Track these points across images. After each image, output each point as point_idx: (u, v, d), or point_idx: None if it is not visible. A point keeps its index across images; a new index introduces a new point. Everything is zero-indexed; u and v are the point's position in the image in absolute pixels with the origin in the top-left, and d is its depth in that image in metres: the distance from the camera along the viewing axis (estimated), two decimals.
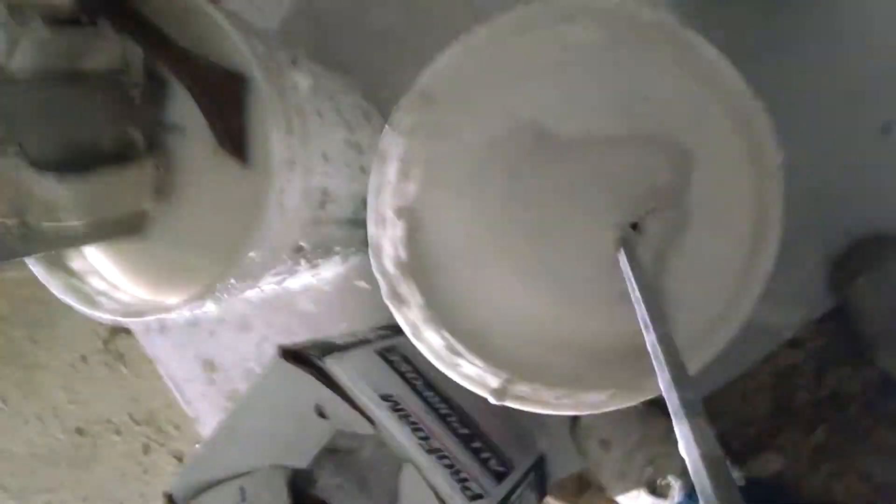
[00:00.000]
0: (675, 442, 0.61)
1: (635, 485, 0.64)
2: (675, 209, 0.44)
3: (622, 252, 0.41)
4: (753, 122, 0.42)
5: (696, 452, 0.23)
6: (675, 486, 0.62)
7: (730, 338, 0.44)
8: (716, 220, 0.44)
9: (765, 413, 0.69)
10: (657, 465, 0.63)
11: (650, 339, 0.31)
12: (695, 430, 0.24)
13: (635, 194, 0.44)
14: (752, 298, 0.44)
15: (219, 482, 0.56)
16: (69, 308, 0.50)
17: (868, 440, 0.67)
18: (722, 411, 0.69)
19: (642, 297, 0.35)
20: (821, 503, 0.67)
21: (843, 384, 0.67)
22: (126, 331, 0.86)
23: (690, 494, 0.60)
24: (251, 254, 0.46)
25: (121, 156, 0.49)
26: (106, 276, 0.54)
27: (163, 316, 0.49)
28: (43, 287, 0.51)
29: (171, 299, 0.51)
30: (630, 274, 0.38)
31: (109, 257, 0.53)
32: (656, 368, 0.28)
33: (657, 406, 0.68)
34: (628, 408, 0.61)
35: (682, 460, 0.59)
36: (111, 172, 0.48)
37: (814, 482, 0.68)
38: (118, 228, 0.50)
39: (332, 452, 0.58)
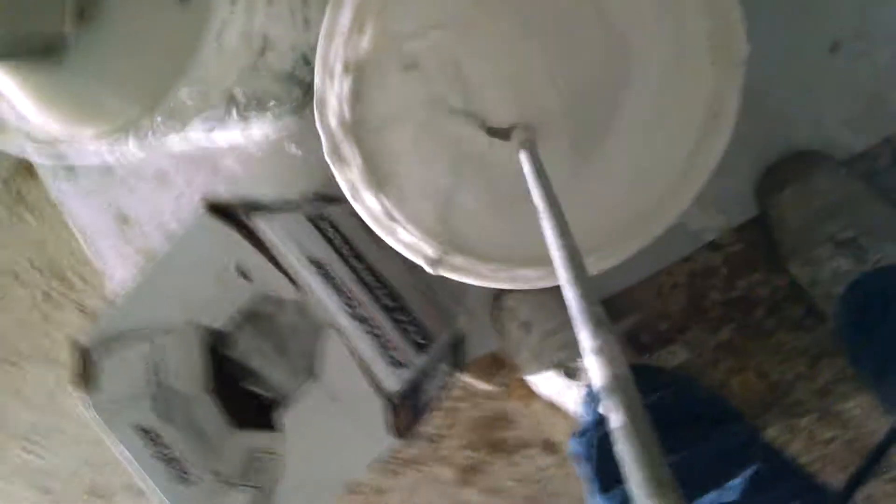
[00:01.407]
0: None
1: (549, 366, 0.66)
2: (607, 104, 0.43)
3: (524, 155, 0.39)
4: (724, 9, 0.40)
5: (605, 373, 0.23)
6: (584, 369, 0.64)
7: (656, 235, 0.44)
8: (658, 116, 0.43)
9: (677, 309, 0.72)
10: (571, 348, 0.65)
11: (554, 254, 0.30)
12: (604, 350, 0.24)
13: (563, 78, 0.43)
14: (690, 195, 0.44)
15: (133, 336, 0.54)
16: None
17: (768, 341, 0.71)
18: (637, 304, 0.72)
19: (545, 209, 0.33)
20: (717, 395, 0.71)
21: (753, 288, 0.70)
22: (30, 172, 0.80)
23: None
24: (182, 90, 0.42)
25: None
26: (17, 105, 0.49)
27: (77, 153, 0.45)
28: None
29: (87, 134, 0.47)
30: (532, 181, 0.36)
31: (19, 83, 0.48)
32: (561, 284, 0.28)
33: None
34: (551, 293, 0.62)
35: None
36: None
37: (714, 376, 0.72)
38: (33, 47, 0.45)
39: (253, 316, 0.57)
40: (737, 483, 0.49)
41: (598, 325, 0.25)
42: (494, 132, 0.43)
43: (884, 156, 0.66)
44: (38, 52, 0.44)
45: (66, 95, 0.47)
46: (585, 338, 0.24)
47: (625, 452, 0.20)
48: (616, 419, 0.21)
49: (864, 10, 0.62)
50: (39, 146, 0.46)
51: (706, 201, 0.68)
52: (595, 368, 0.23)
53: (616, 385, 0.23)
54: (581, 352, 0.25)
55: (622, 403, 0.22)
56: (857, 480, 0.43)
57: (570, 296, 0.26)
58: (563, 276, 0.28)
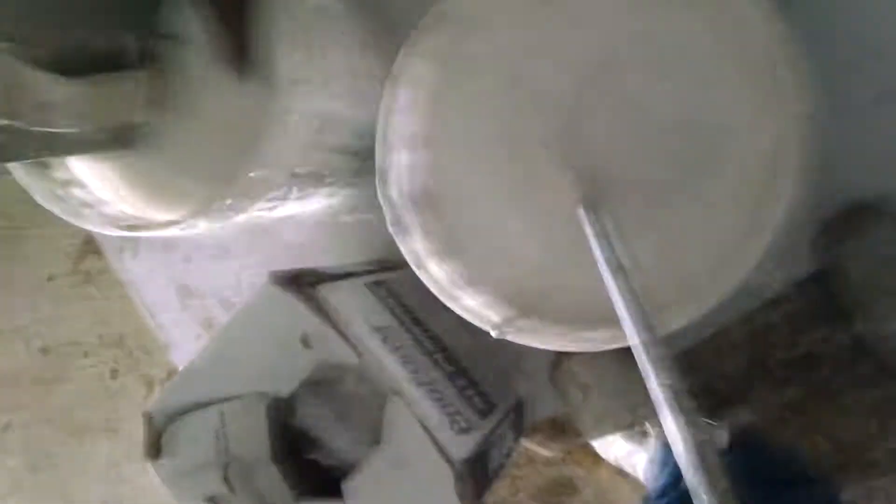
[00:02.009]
0: None
1: (612, 430, 0.65)
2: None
3: (583, 212, 0.40)
4: (782, 67, 0.41)
5: (685, 445, 0.23)
6: (652, 433, 0.63)
7: (723, 295, 0.44)
8: (727, 172, 0.44)
9: (739, 369, 0.70)
10: (635, 412, 0.64)
11: (625, 317, 0.30)
12: (684, 422, 0.23)
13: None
14: (756, 255, 0.44)
15: (198, 406, 0.55)
16: (38, 224, 0.49)
17: (836, 401, 0.69)
18: (697, 365, 0.71)
19: (610, 270, 0.33)
20: (788, 459, 0.69)
21: (816, 346, 0.69)
22: (96, 252, 0.84)
23: (666, 443, 0.61)
24: (251, 174, 0.44)
25: (115, 63, 0.47)
26: (92, 190, 0.52)
27: (155, 233, 0.47)
28: (7, 201, 0.48)
29: (163, 216, 0.49)
30: (594, 241, 0.36)
31: (97, 170, 0.51)
32: (633, 344, 0.28)
33: None
34: (613, 355, 0.62)
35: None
36: (105, 78, 0.45)
37: (781, 438, 0.70)
38: (110, 138, 0.48)
39: (315, 384, 0.58)
40: None
41: (680, 391, 0.25)
42: None
43: None
44: (114, 141, 0.47)
45: (141, 180, 0.49)
46: (665, 408, 0.24)
47: None
48: (695, 482, 0.21)
49: None
50: (120, 226, 0.48)
51: (767, 257, 0.67)
52: (673, 433, 0.23)
53: (700, 451, 0.23)
54: (650, 416, 0.25)
55: (703, 467, 0.22)
56: None
57: (641, 354, 0.27)
58: (634, 338, 0.28)
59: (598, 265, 0.35)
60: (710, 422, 0.65)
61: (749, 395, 0.71)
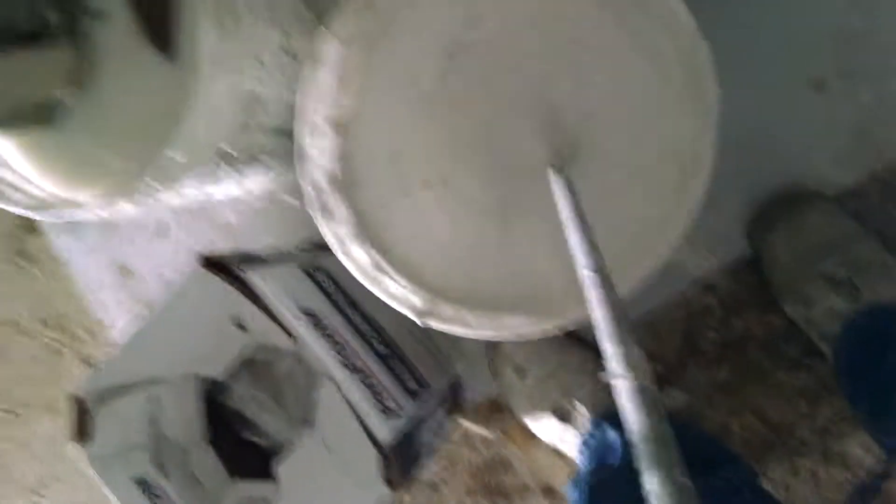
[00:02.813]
0: (588, 372, 0.63)
1: (546, 411, 0.66)
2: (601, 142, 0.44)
3: (557, 180, 0.40)
4: (696, 57, 0.41)
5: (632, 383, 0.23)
6: (583, 414, 0.64)
7: (644, 277, 0.45)
8: (640, 156, 0.44)
9: (673, 351, 0.72)
10: (567, 393, 0.65)
11: (586, 276, 0.31)
12: (638, 390, 0.24)
13: (567, 118, 0.44)
14: (673, 239, 0.45)
15: (130, 388, 0.55)
16: None
17: (766, 382, 0.71)
18: None
19: (578, 229, 0.34)
20: (713, 437, 0.71)
21: (749, 328, 0.70)
22: (35, 229, 0.82)
23: (597, 423, 0.63)
24: (171, 153, 0.43)
25: (36, 37, 0.45)
26: (14, 168, 0.50)
27: (74, 213, 0.46)
28: None
29: (84, 195, 0.48)
30: (567, 204, 0.37)
31: (18, 148, 0.49)
32: (592, 312, 0.28)
33: (573, 336, 0.70)
34: (546, 336, 0.62)
35: (591, 390, 0.61)
36: (25, 53, 0.44)
37: (713, 417, 0.72)
38: (30, 115, 0.46)
39: (250, 365, 0.58)
40: None
41: (628, 339, 0.25)
42: None
43: (873, 192, 0.66)
44: (32, 118, 0.46)
45: (59, 158, 0.48)
46: (613, 353, 0.25)
47: (644, 457, 0.20)
48: (638, 425, 0.22)
49: (844, 50, 0.63)
50: (40, 207, 0.47)
51: (697, 242, 0.69)
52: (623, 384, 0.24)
53: (643, 394, 0.23)
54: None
55: (647, 409, 0.22)
56: None
57: (598, 317, 0.27)
58: (593, 295, 0.28)
59: (566, 225, 0.36)
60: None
61: (683, 376, 0.72)
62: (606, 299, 0.28)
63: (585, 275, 0.31)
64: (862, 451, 0.70)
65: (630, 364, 0.25)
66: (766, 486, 0.61)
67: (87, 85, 0.47)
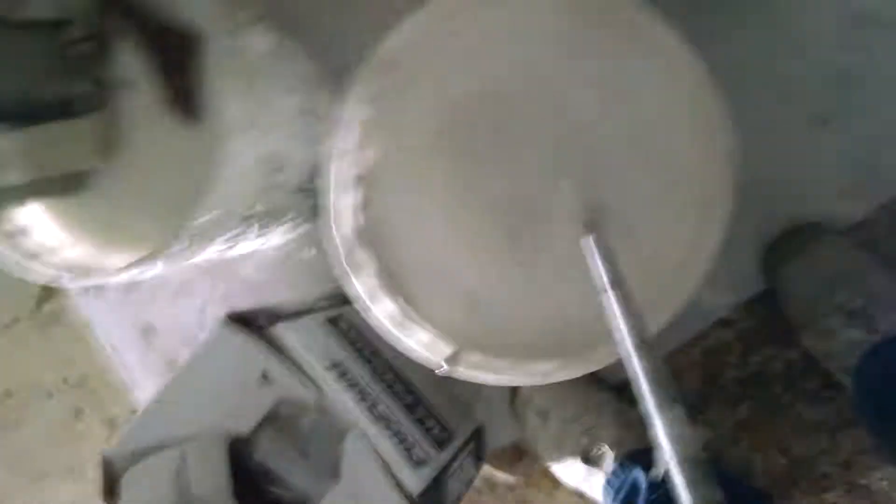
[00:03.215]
0: (610, 413, 0.63)
1: (570, 454, 0.66)
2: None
3: (591, 238, 0.41)
4: (707, 105, 0.43)
5: (677, 457, 0.24)
6: (609, 455, 0.64)
7: (666, 322, 0.46)
8: (662, 205, 0.46)
9: (693, 389, 0.72)
10: (592, 435, 0.65)
11: (629, 347, 0.31)
12: (678, 440, 0.24)
13: (596, 176, 0.45)
14: (696, 281, 0.45)
15: (158, 447, 0.55)
16: None
17: (787, 417, 0.71)
18: None
19: (617, 297, 0.35)
20: (742, 475, 0.71)
21: (767, 363, 0.71)
22: (59, 293, 0.84)
23: (622, 464, 0.63)
24: (202, 218, 0.45)
25: (64, 111, 0.47)
26: (44, 236, 0.52)
27: (108, 279, 0.48)
28: None
29: (116, 260, 0.50)
30: (600, 264, 0.38)
31: (50, 216, 0.51)
32: (635, 383, 0.29)
33: (594, 376, 0.71)
34: (567, 380, 0.63)
35: (615, 431, 0.61)
36: (53, 127, 0.46)
37: (736, 454, 0.72)
38: (58, 186, 0.48)
39: (274, 420, 0.58)
40: None
41: (672, 403, 0.25)
42: None
43: (881, 223, 0.67)
44: (61, 187, 0.48)
45: (94, 224, 0.50)
46: (661, 424, 0.25)
47: None
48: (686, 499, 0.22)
49: (845, 86, 0.65)
50: (71, 276, 0.48)
51: (714, 280, 0.69)
52: (670, 452, 0.24)
53: (691, 467, 0.23)
54: (651, 437, 0.26)
55: (695, 484, 0.22)
56: None
57: (643, 380, 0.27)
58: (630, 353, 0.29)
59: (601, 289, 0.36)
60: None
61: (704, 413, 0.72)
62: (651, 371, 0.29)
63: (628, 344, 0.31)
64: (887, 484, 0.70)
65: (676, 436, 0.25)
66: None
67: (117, 153, 0.48)
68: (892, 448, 0.59)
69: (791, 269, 0.66)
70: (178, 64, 0.47)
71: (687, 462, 0.23)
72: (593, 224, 0.42)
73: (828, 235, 0.66)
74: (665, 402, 0.26)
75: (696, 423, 0.66)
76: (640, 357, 0.29)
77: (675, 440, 0.24)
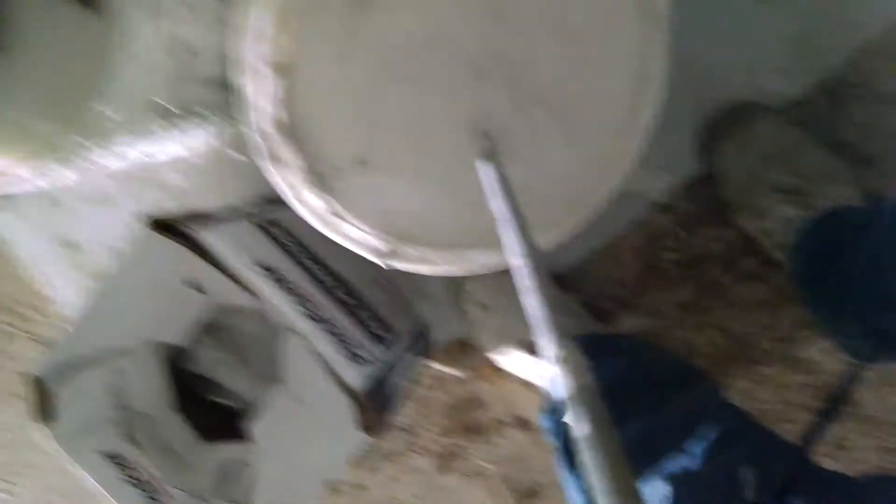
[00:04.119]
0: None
1: (513, 345, 0.67)
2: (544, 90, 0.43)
3: (485, 166, 0.39)
4: None
5: (570, 383, 0.23)
6: None
7: (604, 200, 0.45)
8: (592, 82, 0.44)
9: (634, 274, 0.73)
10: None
11: (518, 267, 0.30)
12: (568, 361, 0.24)
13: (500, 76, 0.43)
14: (630, 157, 0.44)
15: (90, 362, 0.53)
16: None
17: (727, 296, 0.72)
18: (596, 274, 0.72)
19: (510, 221, 0.33)
20: (677, 356, 0.72)
21: (706, 245, 0.71)
22: None
23: None
24: (99, 106, 0.41)
25: None
26: None
27: (8, 182, 0.44)
28: None
29: (23, 165, 0.46)
30: (497, 193, 0.36)
31: None
32: (524, 293, 0.28)
33: None
34: (507, 273, 0.62)
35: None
36: None
37: (678, 336, 0.73)
38: None
39: (211, 327, 0.56)
40: (698, 446, 0.50)
41: (561, 335, 0.25)
42: None
43: (818, 100, 0.67)
44: None
45: None
46: (549, 348, 0.25)
47: (590, 463, 0.20)
48: (581, 429, 0.22)
49: None
50: None
51: (650, 163, 0.69)
52: (559, 379, 0.23)
53: (581, 396, 0.23)
54: (545, 359, 0.25)
55: (587, 414, 0.22)
56: (815, 429, 0.44)
57: (533, 306, 0.27)
58: (526, 285, 0.28)
59: (495, 212, 0.35)
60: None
61: (646, 297, 0.73)
62: (539, 291, 0.27)
63: (518, 264, 0.30)
64: (823, 355, 0.73)
65: (563, 362, 0.24)
66: (732, 397, 0.62)
67: (10, 44, 0.44)
68: (828, 320, 0.61)
69: (727, 150, 0.65)
70: None
71: (579, 391, 0.23)
72: (487, 150, 0.40)
73: (763, 114, 0.65)
74: (556, 335, 0.25)
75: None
76: (534, 290, 0.28)
77: (567, 371, 0.23)
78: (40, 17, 0.44)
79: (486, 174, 0.38)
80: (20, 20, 0.44)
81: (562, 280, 0.71)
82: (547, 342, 0.25)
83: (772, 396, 0.75)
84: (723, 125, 0.66)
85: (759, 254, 0.70)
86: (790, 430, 0.73)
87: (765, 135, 0.64)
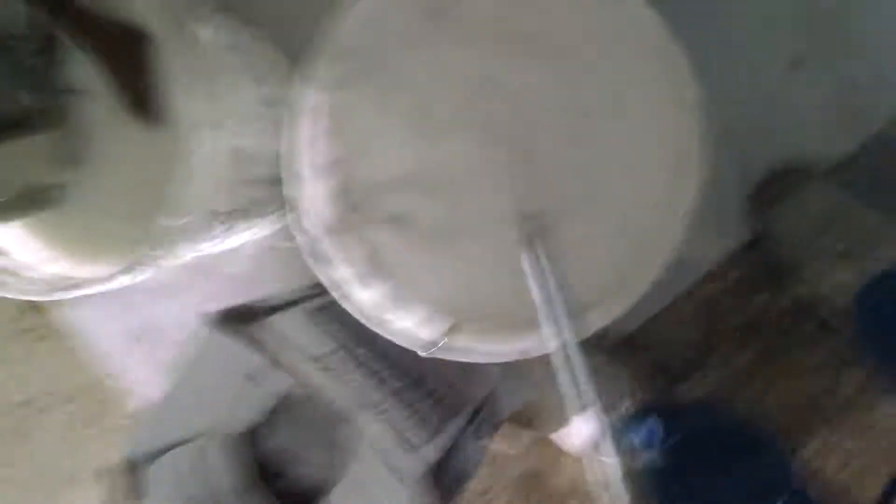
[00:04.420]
0: (610, 375, 0.63)
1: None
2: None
3: (526, 257, 0.40)
4: (674, 61, 0.42)
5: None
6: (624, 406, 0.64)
7: (652, 280, 0.45)
8: (633, 166, 0.44)
9: (691, 342, 0.71)
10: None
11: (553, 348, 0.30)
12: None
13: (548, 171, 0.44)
14: (676, 238, 0.44)
15: (168, 447, 0.55)
16: None
17: (785, 363, 0.70)
18: (651, 342, 0.72)
19: (546, 310, 0.34)
20: (748, 419, 0.70)
21: (760, 311, 0.70)
22: (37, 308, 0.82)
23: (635, 415, 0.63)
24: (177, 219, 0.44)
25: (22, 126, 0.46)
26: (24, 255, 0.51)
27: (94, 289, 0.47)
28: None
29: (95, 271, 0.49)
30: (534, 283, 0.37)
31: (27, 234, 0.50)
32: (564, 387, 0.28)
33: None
34: None
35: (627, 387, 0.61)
36: (12, 144, 0.45)
37: (741, 402, 0.71)
38: (23, 202, 0.47)
39: (273, 414, 0.57)
40: None
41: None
42: None
43: (862, 161, 0.66)
44: (31, 203, 0.47)
45: (68, 238, 0.49)
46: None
47: None
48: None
49: (818, 27, 0.64)
50: (60, 290, 0.47)
51: (700, 232, 0.69)
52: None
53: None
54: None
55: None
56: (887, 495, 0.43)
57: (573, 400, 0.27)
58: (563, 377, 0.28)
59: (537, 302, 0.35)
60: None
61: (704, 365, 0.72)
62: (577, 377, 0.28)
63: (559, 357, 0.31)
64: (891, 419, 0.70)
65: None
66: (801, 464, 0.60)
67: (85, 163, 0.48)
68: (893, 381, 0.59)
69: (776, 214, 0.65)
70: (133, 66, 0.46)
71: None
72: (530, 240, 0.41)
73: (811, 179, 0.65)
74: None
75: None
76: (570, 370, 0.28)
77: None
78: (111, 137, 0.48)
79: (528, 259, 0.39)
80: (93, 140, 0.48)
81: (630, 341, 0.71)
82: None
83: (840, 462, 0.72)
84: (771, 191, 0.65)
85: (815, 319, 0.68)
86: (861, 497, 0.70)
87: (813, 200, 0.64)
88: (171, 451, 0.54)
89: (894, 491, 0.44)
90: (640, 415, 0.63)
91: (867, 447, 0.71)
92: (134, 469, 0.54)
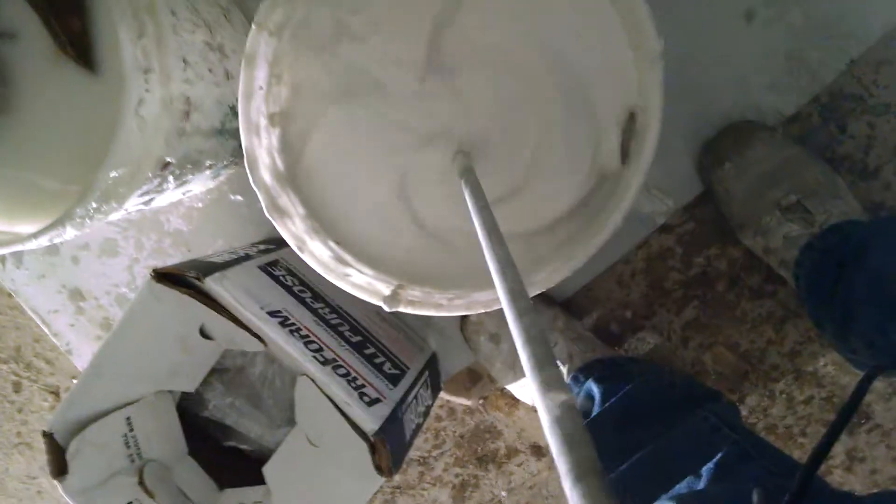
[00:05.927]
0: (559, 329, 0.63)
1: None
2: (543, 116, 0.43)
3: (464, 185, 0.39)
4: (635, 11, 0.41)
5: (550, 417, 0.23)
6: (563, 370, 0.64)
7: (605, 237, 0.45)
8: (587, 116, 0.44)
9: (640, 296, 0.73)
10: None
11: (498, 289, 0.29)
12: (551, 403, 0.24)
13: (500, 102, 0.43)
14: (631, 190, 0.44)
15: (101, 415, 0.53)
16: None
17: (733, 313, 0.72)
18: (600, 297, 0.72)
19: (488, 243, 0.33)
20: (690, 378, 0.72)
21: (710, 264, 0.71)
22: None
23: (576, 377, 0.63)
24: (112, 173, 0.42)
25: None
26: None
27: (22, 246, 0.44)
28: None
29: (26, 227, 0.46)
30: (474, 213, 0.36)
31: None
32: (509, 322, 0.28)
33: (541, 296, 0.71)
34: None
35: (565, 346, 0.61)
36: None
37: (686, 355, 0.73)
38: None
39: (221, 372, 0.56)
40: (707, 468, 0.50)
41: (542, 364, 0.25)
42: None
43: (814, 115, 0.67)
44: None
45: None
46: (533, 378, 0.24)
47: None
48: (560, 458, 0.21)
49: None
50: None
51: (651, 185, 0.69)
52: (542, 408, 0.23)
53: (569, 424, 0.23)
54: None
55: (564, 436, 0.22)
56: (826, 443, 0.44)
57: (516, 336, 0.26)
58: (508, 315, 0.28)
59: (479, 237, 0.34)
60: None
61: (652, 319, 0.73)
62: (521, 321, 0.27)
63: (503, 301, 0.30)
64: (833, 368, 0.72)
65: (547, 390, 0.24)
66: (745, 412, 0.62)
67: (11, 110, 0.44)
68: (836, 335, 0.61)
69: (726, 170, 0.65)
70: (66, 8, 0.43)
71: (560, 420, 0.23)
72: (467, 168, 0.40)
73: (760, 132, 0.65)
74: (540, 361, 0.25)
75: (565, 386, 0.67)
76: (515, 315, 0.27)
77: (549, 398, 0.23)
78: (41, 82, 0.45)
79: (467, 193, 0.37)
80: (21, 86, 0.45)
81: (568, 304, 0.72)
82: (530, 373, 0.25)
83: (784, 411, 0.75)
84: (720, 145, 0.66)
85: (763, 270, 0.70)
86: (804, 444, 0.73)
87: (763, 153, 0.64)
88: (97, 422, 0.52)
89: (833, 439, 0.46)
90: (579, 377, 0.63)
91: (811, 395, 0.74)
92: (56, 443, 0.52)
